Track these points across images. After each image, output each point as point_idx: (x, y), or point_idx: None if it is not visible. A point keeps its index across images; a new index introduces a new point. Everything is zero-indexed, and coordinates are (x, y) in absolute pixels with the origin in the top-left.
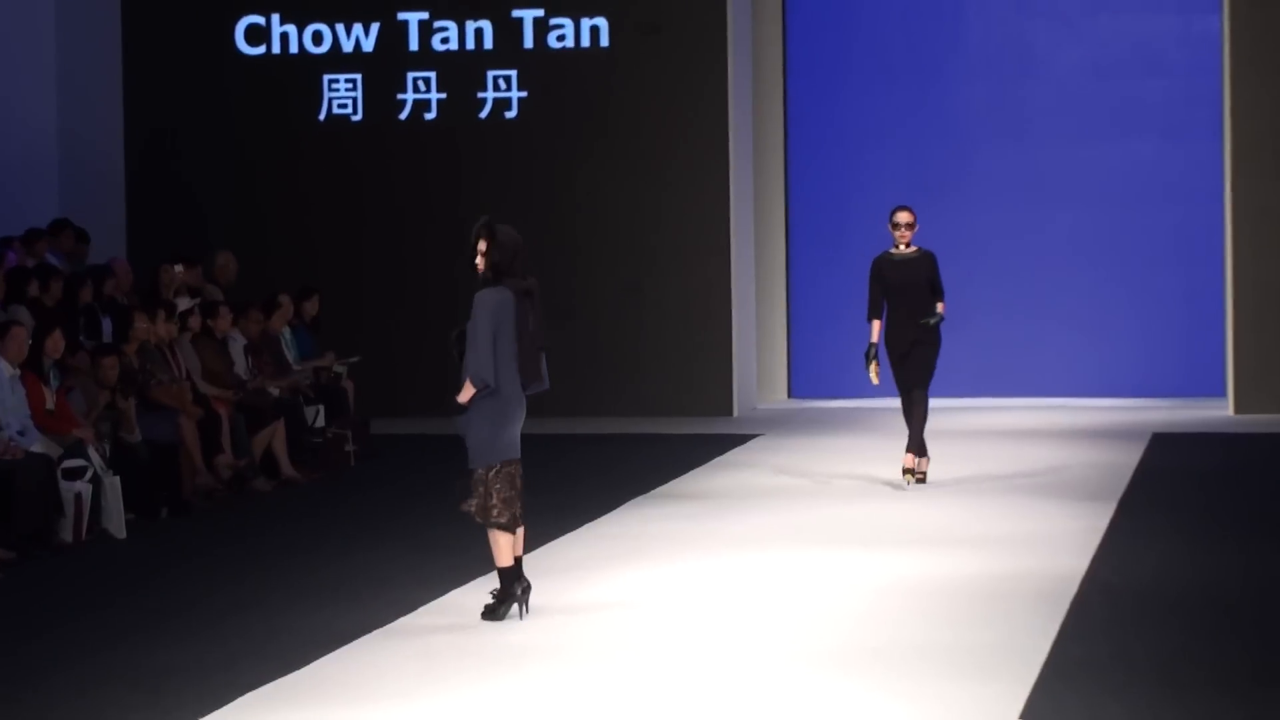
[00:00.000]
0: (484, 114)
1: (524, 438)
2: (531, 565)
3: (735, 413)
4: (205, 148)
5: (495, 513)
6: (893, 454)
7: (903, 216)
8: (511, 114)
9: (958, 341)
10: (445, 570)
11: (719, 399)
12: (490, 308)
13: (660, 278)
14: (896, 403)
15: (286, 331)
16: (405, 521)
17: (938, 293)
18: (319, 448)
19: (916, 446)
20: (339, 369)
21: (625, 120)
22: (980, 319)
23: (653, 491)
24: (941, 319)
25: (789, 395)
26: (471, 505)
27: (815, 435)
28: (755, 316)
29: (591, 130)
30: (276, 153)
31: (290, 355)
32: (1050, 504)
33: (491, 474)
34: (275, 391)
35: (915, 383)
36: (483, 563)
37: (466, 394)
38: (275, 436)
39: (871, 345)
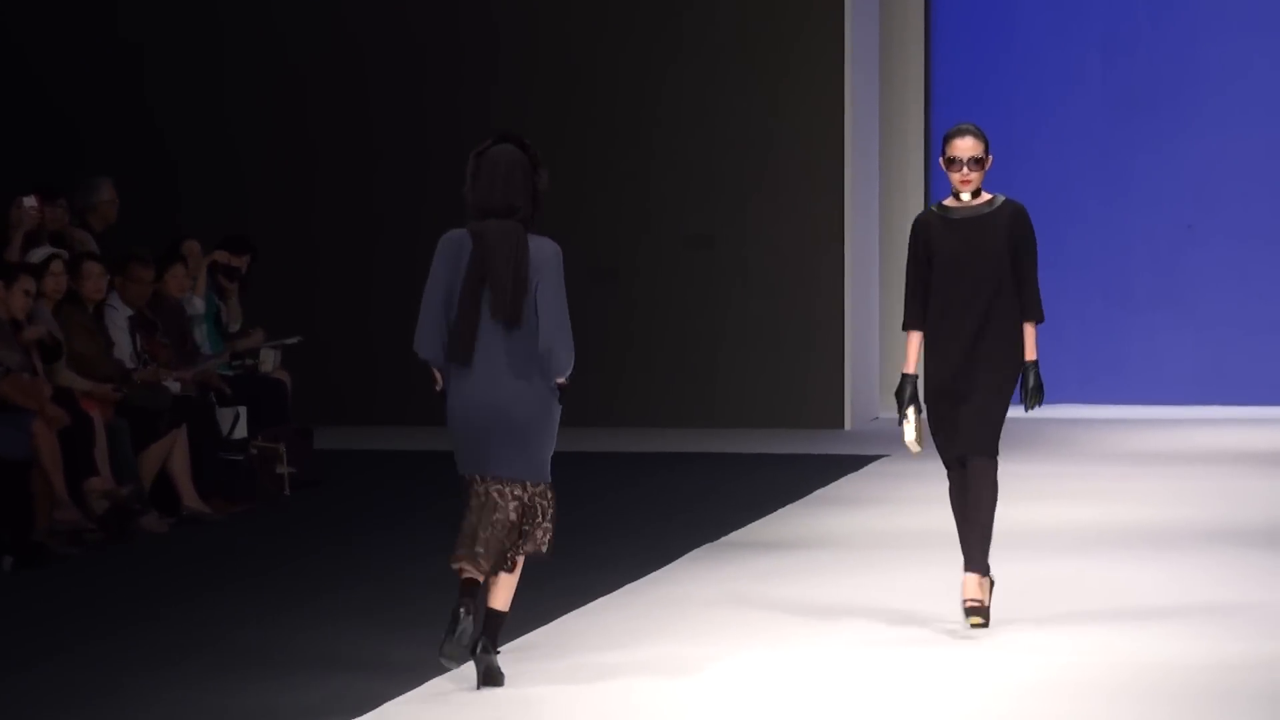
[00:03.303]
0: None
1: (557, 456)
2: (529, 644)
3: (848, 425)
4: (83, 35)
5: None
6: (1078, 484)
7: (963, 145)
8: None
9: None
10: (423, 650)
11: (826, 407)
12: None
13: (747, 243)
14: (1090, 411)
15: (195, 301)
16: (365, 578)
17: (1026, 288)
18: (239, 469)
19: (978, 562)
20: (270, 355)
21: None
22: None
23: (725, 538)
24: (1032, 384)
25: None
26: (543, 542)
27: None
28: (879, 300)
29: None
30: (189, 42)
31: (201, 334)
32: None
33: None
34: (175, 386)
35: (969, 447)
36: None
37: (561, 380)
38: (174, 452)
39: (907, 380)
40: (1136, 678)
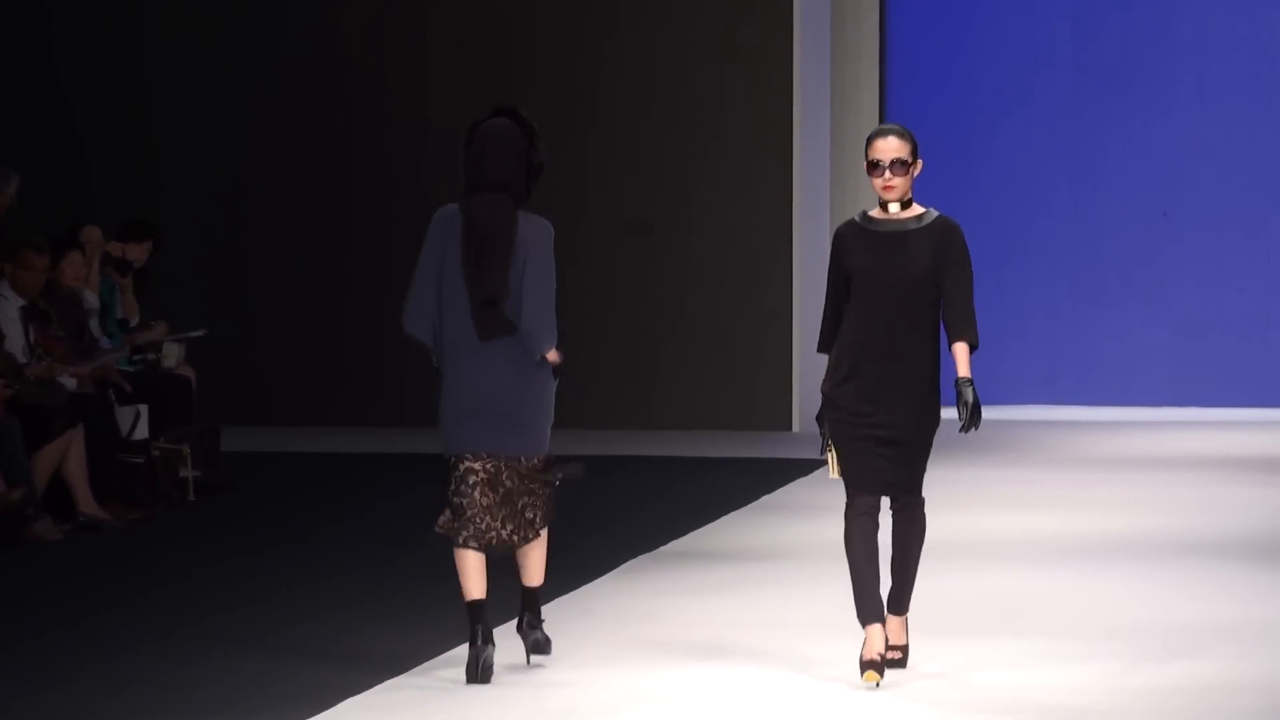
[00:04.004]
0: None
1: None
2: (448, 661)
3: (796, 428)
4: None
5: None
6: (1045, 492)
7: (886, 146)
8: None
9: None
10: (334, 674)
11: (774, 408)
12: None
13: (690, 232)
14: (1058, 413)
15: (90, 296)
16: (274, 593)
17: (959, 308)
18: (139, 472)
19: (894, 602)
20: (173, 349)
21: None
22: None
23: (664, 548)
24: (971, 400)
25: None
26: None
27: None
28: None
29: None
30: (103, 13)
31: (100, 328)
32: (1266, 574)
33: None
34: (71, 383)
35: (896, 489)
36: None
37: (556, 355)
38: (69, 453)
39: (829, 403)
40: (1112, 702)
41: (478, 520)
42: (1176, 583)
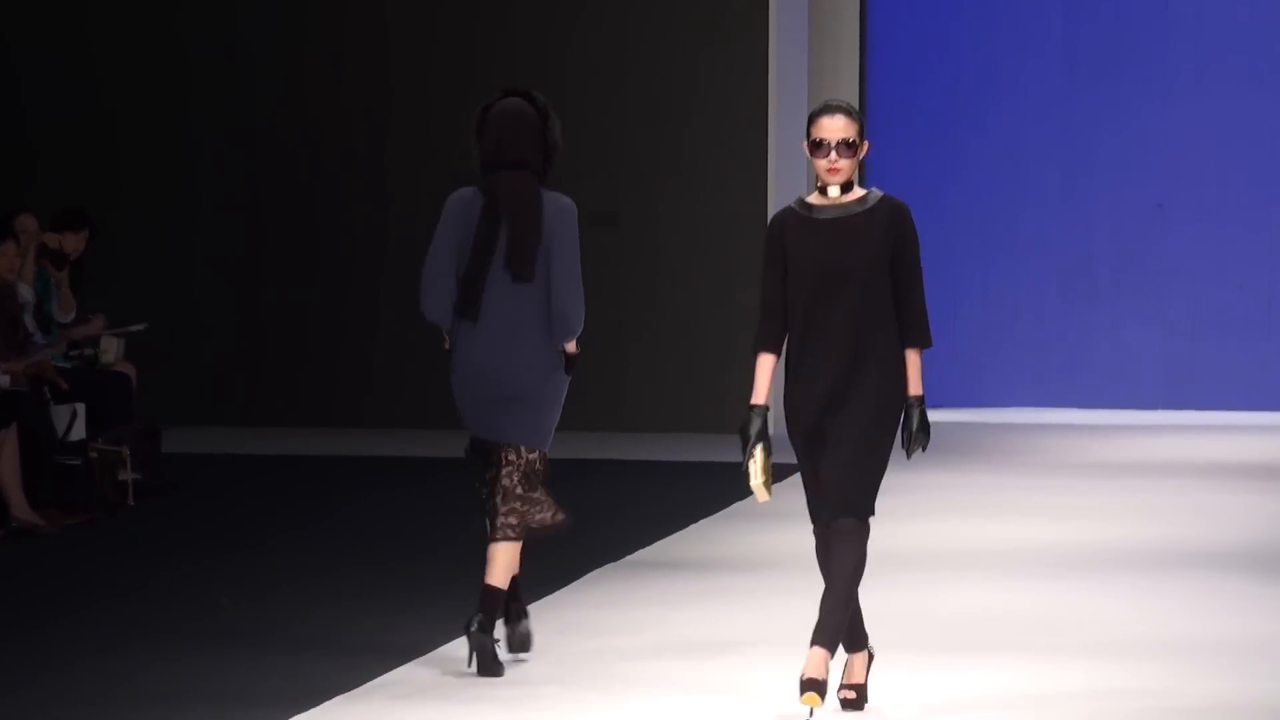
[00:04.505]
0: None
1: (442, 465)
2: (401, 679)
3: (771, 429)
4: None
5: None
6: (1035, 499)
7: (831, 124)
8: None
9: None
10: (289, 684)
11: (749, 410)
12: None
13: (658, 224)
14: (1048, 416)
15: (24, 289)
16: (219, 610)
17: (909, 305)
18: (76, 474)
19: (828, 636)
20: (112, 344)
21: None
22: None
23: (630, 557)
24: (917, 423)
25: None
26: (550, 514)
27: (893, 469)
28: None
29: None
30: None
31: (35, 322)
32: (1268, 587)
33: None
34: (4, 380)
35: (835, 507)
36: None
37: (573, 346)
38: (1, 455)
39: (756, 413)
40: None
41: (496, 517)
42: (1173, 596)
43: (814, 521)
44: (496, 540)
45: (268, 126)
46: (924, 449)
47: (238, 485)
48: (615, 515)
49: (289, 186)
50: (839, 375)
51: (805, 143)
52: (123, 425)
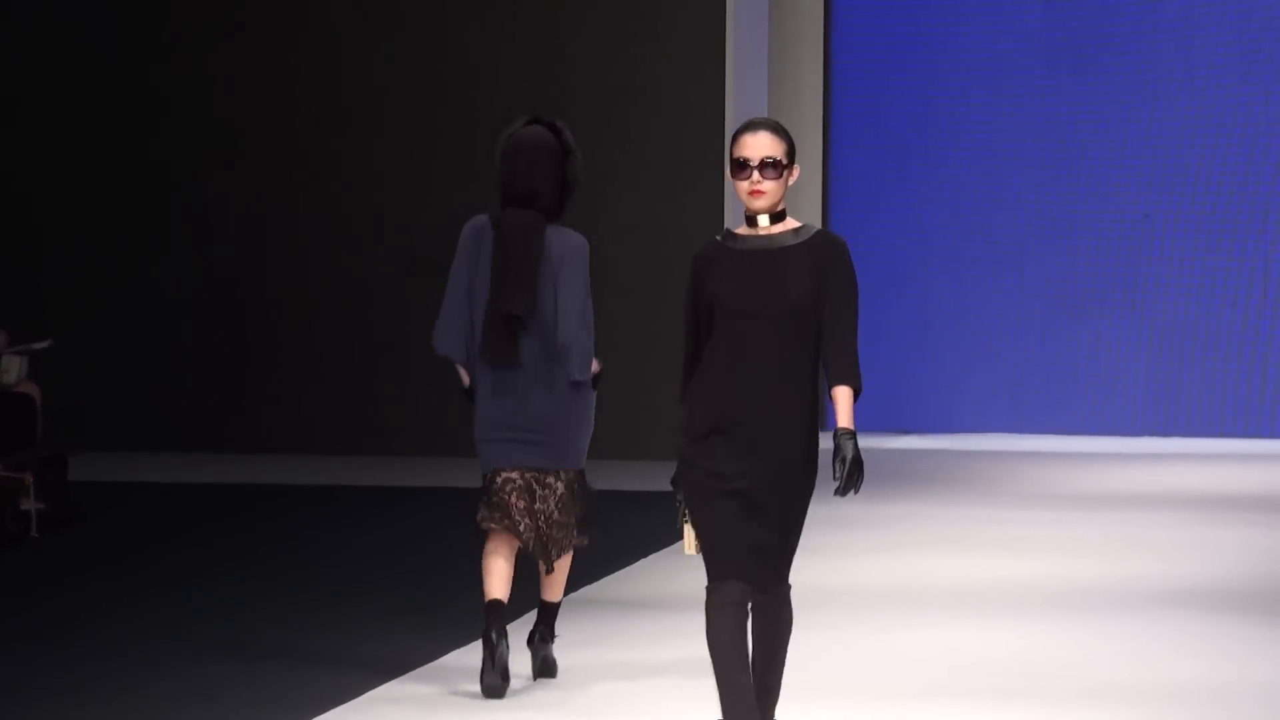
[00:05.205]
0: None
1: (391, 494)
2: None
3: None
4: None
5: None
6: (1013, 533)
7: (755, 142)
8: None
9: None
10: None
11: None
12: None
13: (606, 237)
14: (1027, 443)
15: None
16: (133, 641)
17: (840, 347)
18: None
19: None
20: (14, 363)
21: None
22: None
23: (571, 595)
24: (851, 456)
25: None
26: (586, 533)
27: (859, 501)
28: None
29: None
30: None
31: None
32: (1262, 628)
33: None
34: None
35: (769, 574)
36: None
37: (596, 364)
38: None
39: (686, 463)
40: None
41: (514, 514)
42: (1161, 637)
43: (713, 580)
44: (545, 570)
45: (175, 135)
46: (857, 490)
47: (155, 517)
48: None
49: (209, 195)
50: (758, 425)
51: (728, 164)
52: (26, 450)
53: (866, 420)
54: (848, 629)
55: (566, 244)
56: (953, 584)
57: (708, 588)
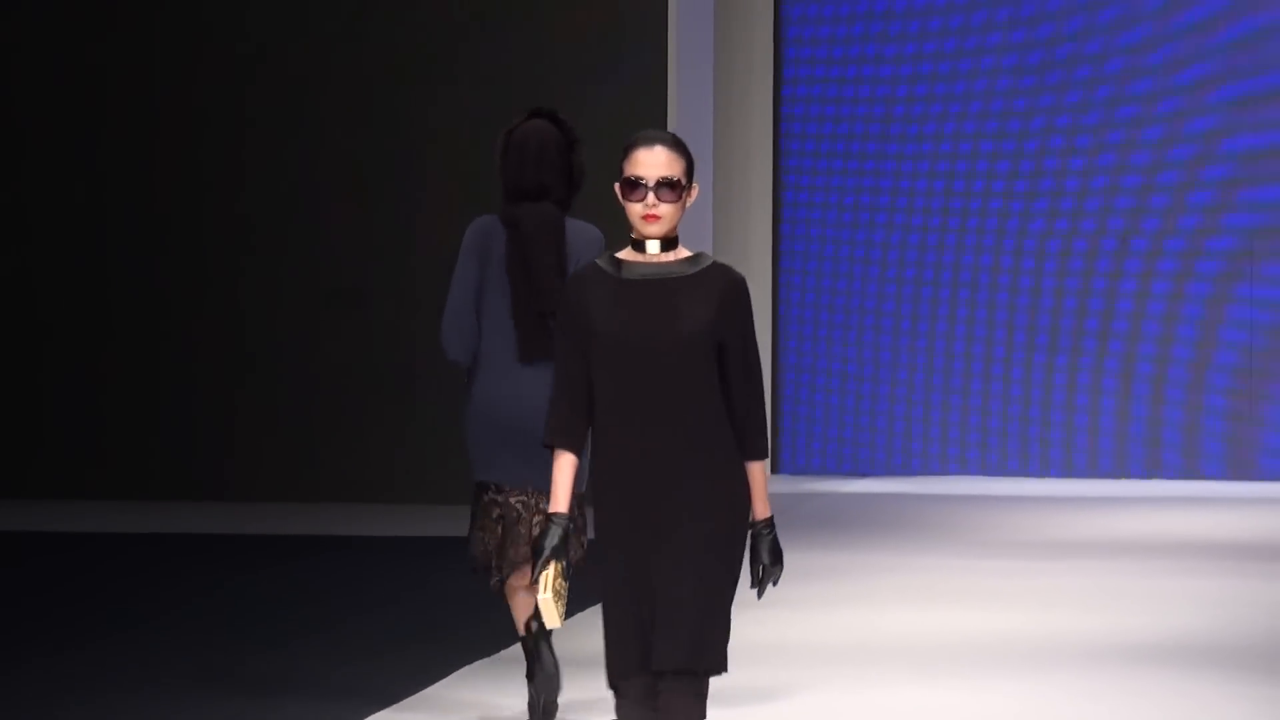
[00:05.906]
0: None
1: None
2: None
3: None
4: None
5: None
6: (981, 583)
7: (650, 159)
8: None
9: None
10: None
11: None
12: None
13: None
14: (995, 487)
15: None
16: (67, 700)
17: (746, 406)
18: None
19: None
20: None
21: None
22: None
23: (505, 651)
24: (769, 555)
25: None
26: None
27: (794, 543)
28: None
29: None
30: None
31: None
32: (1249, 686)
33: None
34: None
35: (679, 655)
36: None
37: None
38: None
39: (555, 524)
40: None
41: (506, 549)
42: (1141, 695)
43: (617, 679)
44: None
45: (114, 139)
46: (775, 583)
47: (79, 570)
48: (491, 603)
49: (145, 221)
50: (661, 484)
51: (618, 184)
52: None
53: (823, 462)
54: (799, 687)
55: (585, 237)
56: (916, 639)
57: (610, 684)
